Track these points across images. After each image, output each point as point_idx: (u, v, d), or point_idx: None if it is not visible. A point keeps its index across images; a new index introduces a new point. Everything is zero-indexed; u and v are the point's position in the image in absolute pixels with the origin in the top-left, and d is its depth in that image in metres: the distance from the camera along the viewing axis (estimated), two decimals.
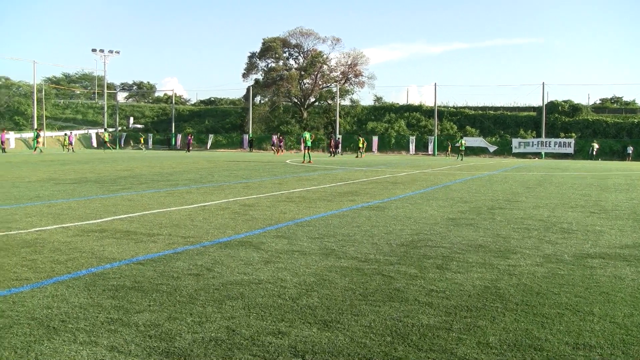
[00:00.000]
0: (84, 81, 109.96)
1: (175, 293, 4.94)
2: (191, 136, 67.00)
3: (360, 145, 52.12)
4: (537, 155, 64.32)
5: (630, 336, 4.06)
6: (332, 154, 54.77)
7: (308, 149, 35.85)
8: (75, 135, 77.41)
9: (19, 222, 8.64)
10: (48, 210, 10.08)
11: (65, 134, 59.02)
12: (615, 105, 78.25)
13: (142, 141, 72.10)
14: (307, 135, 36.64)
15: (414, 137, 71.40)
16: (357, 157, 50.73)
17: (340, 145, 56.51)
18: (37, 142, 53.89)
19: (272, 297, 4.86)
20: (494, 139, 69.29)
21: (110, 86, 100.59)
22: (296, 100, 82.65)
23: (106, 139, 57.72)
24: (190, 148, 64.40)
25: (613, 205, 12.40)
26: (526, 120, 71.67)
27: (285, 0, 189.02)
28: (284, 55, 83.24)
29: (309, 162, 33.89)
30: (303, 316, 4.38)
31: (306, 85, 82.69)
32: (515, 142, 66.89)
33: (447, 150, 62.20)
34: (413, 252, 6.88)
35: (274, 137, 66.83)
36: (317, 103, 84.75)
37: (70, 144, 55.99)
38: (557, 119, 69.69)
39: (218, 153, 60.18)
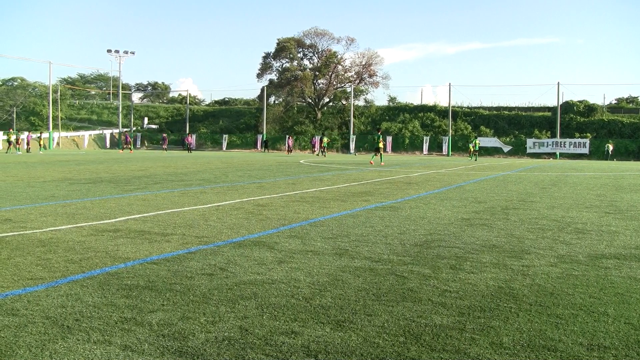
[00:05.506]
0: (99, 82, 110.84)
1: (189, 293, 4.96)
2: (191, 136, 66.96)
3: (325, 145, 52.89)
4: (552, 155, 63.84)
5: None
6: (322, 153, 53.93)
7: (377, 151, 34.78)
8: (90, 135, 77.95)
9: (34, 222, 8.71)
10: (63, 210, 10.16)
11: (15, 133, 55.98)
12: (631, 105, 77.58)
13: (11, 138, 52.23)
14: (376, 137, 35.61)
15: (428, 137, 71.17)
16: (317, 155, 52.14)
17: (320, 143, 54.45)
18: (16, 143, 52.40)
19: (286, 297, 4.87)
20: (508, 139, 68.88)
21: (125, 87, 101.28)
22: (310, 101, 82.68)
23: (10, 139, 54.96)
24: (191, 147, 63.93)
25: (628, 206, 12.29)
26: (541, 121, 71.20)
27: (300, 0, 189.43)
28: (299, 55, 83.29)
29: (381, 163, 33.37)
30: (316, 316, 4.38)
31: (320, 85, 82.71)
32: (529, 142, 66.42)
33: (470, 151, 53.63)
34: (426, 253, 6.86)
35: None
36: (331, 103, 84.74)
37: (18, 143, 52.94)
38: (572, 119, 69.18)
39: (231, 153, 60.31)
